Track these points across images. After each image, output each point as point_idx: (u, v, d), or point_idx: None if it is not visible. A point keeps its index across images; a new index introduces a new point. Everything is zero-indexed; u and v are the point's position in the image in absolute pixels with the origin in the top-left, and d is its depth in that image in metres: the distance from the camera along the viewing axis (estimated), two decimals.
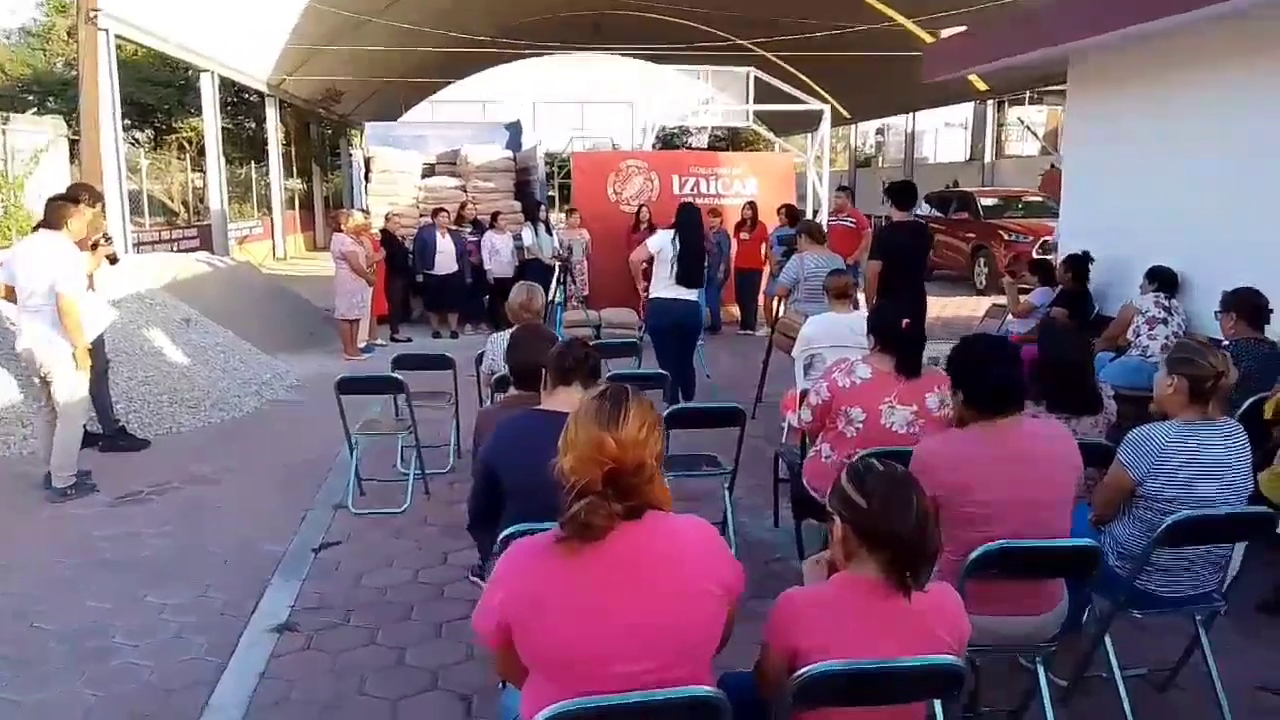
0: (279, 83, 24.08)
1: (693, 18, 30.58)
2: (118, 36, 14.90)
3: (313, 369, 10.19)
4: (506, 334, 5.73)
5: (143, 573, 4.86)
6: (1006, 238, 16.20)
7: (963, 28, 9.09)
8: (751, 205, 12.60)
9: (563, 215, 17.03)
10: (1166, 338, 6.40)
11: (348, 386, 5.88)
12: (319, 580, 4.77)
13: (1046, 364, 4.05)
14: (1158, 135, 7.39)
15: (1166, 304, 6.59)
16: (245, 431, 7.73)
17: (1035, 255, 16.13)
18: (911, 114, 32.90)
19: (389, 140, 14.71)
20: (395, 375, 5.86)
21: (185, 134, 26.25)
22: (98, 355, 6.61)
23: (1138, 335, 6.56)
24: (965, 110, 46.19)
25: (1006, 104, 28.41)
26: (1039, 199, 18.68)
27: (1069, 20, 7.44)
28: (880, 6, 24.88)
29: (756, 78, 17.99)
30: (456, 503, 5.92)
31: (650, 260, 7.38)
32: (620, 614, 2.02)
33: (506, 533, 2.82)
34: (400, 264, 12.04)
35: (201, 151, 22.43)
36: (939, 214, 18.62)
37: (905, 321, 3.69)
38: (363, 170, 13.65)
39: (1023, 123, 28.39)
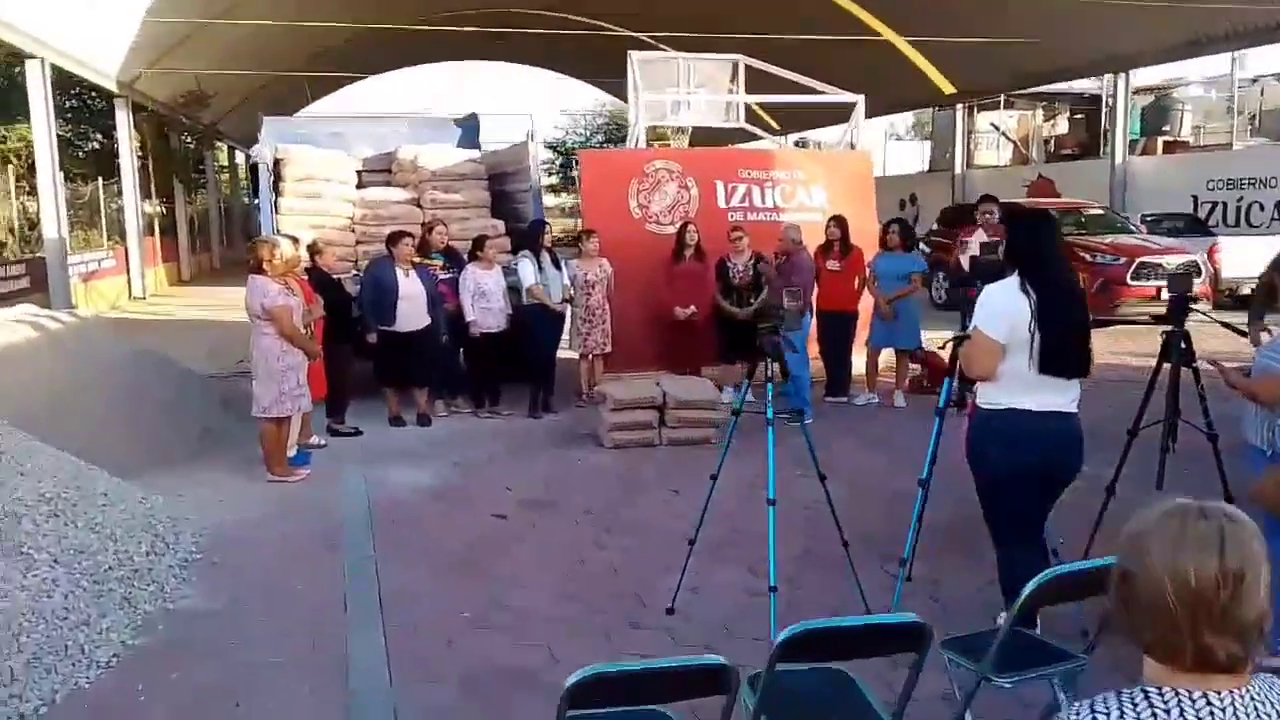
0: (132, 80, 19.33)
1: (612, 21, 27.12)
2: None
3: (223, 511, 5.97)
4: None
5: None
6: (1090, 259, 12.96)
7: None
8: (839, 222, 8.92)
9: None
10: None
11: None
12: None
13: None
14: None
15: None
16: None
17: (1129, 281, 13.08)
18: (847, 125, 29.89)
19: (295, 138, 10.42)
20: None
21: (12, 145, 21.06)
22: None
23: None
24: (908, 119, 44.01)
25: (976, 109, 25.65)
26: (1100, 211, 15.58)
27: None
28: None
29: (749, 68, 14.47)
30: None
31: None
32: None
33: None
34: (341, 318, 7.87)
35: (33, 167, 17.52)
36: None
37: None
38: (270, 178, 9.34)
39: (996, 128, 25.70)
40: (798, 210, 9.79)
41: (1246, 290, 14.44)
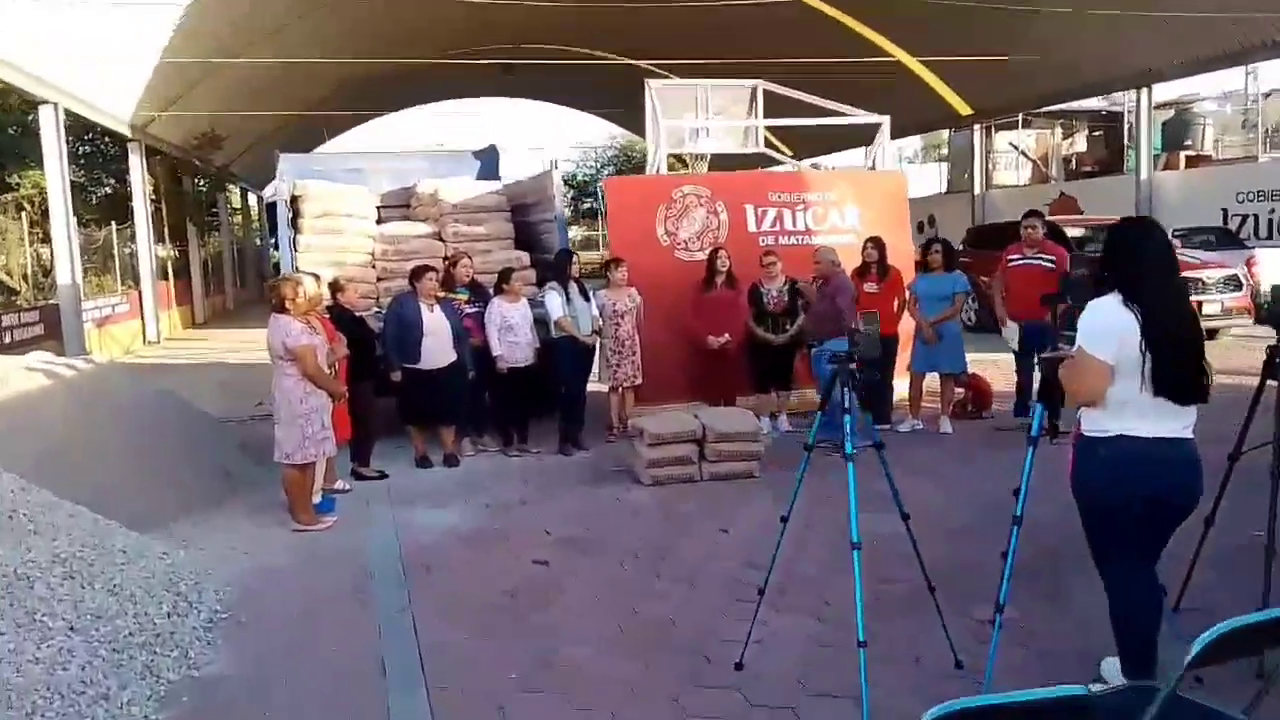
0: (145, 123, 19.24)
1: (619, 52, 26.91)
2: None
3: (246, 563, 5.64)
4: None
5: None
6: None
7: None
8: (877, 243, 8.61)
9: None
10: None
11: None
12: None
13: None
14: None
15: None
16: None
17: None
18: (870, 147, 29.58)
19: (312, 174, 10.18)
20: None
21: (26, 191, 20.96)
22: None
23: None
24: (915, 142, 43.88)
25: (993, 129, 25.37)
26: None
27: None
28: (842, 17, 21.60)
29: (767, 92, 14.22)
30: None
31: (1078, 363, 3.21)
32: None
33: None
34: (365, 357, 7.56)
35: (46, 213, 17.38)
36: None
37: None
38: (289, 215, 9.09)
39: (1016, 148, 25.41)
40: (830, 232, 9.48)
41: None
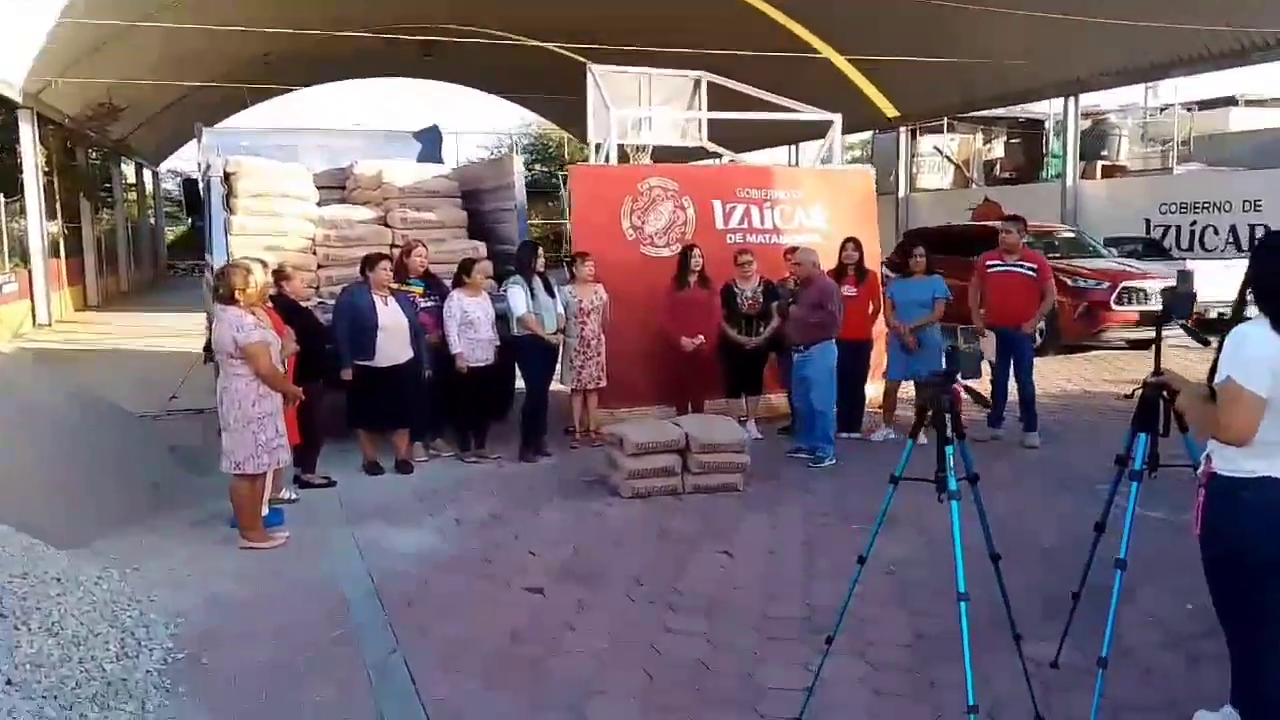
0: (39, 90, 17.83)
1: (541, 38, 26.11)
2: None
3: (195, 589, 4.94)
4: None
5: None
6: (1072, 284, 12.59)
7: None
8: (857, 245, 8.27)
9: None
10: None
11: None
12: None
13: None
14: None
15: None
16: None
17: (1113, 305, 12.74)
18: (793, 146, 29.42)
19: (239, 151, 9.29)
20: None
21: None
22: None
23: None
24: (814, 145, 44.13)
25: (918, 133, 25.49)
26: (1072, 234, 15.32)
27: None
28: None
29: (711, 84, 13.82)
30: None
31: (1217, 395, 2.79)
32: None
33: None
34: (312, 354, 6.83)
35: None
36: (946, 255, 14.84)
37: None
38: (223, 194, 8.27)
39: (940, 152, 25.58)
40: (797, 231, 9.12)
41: (1213, 315, 14.25)
